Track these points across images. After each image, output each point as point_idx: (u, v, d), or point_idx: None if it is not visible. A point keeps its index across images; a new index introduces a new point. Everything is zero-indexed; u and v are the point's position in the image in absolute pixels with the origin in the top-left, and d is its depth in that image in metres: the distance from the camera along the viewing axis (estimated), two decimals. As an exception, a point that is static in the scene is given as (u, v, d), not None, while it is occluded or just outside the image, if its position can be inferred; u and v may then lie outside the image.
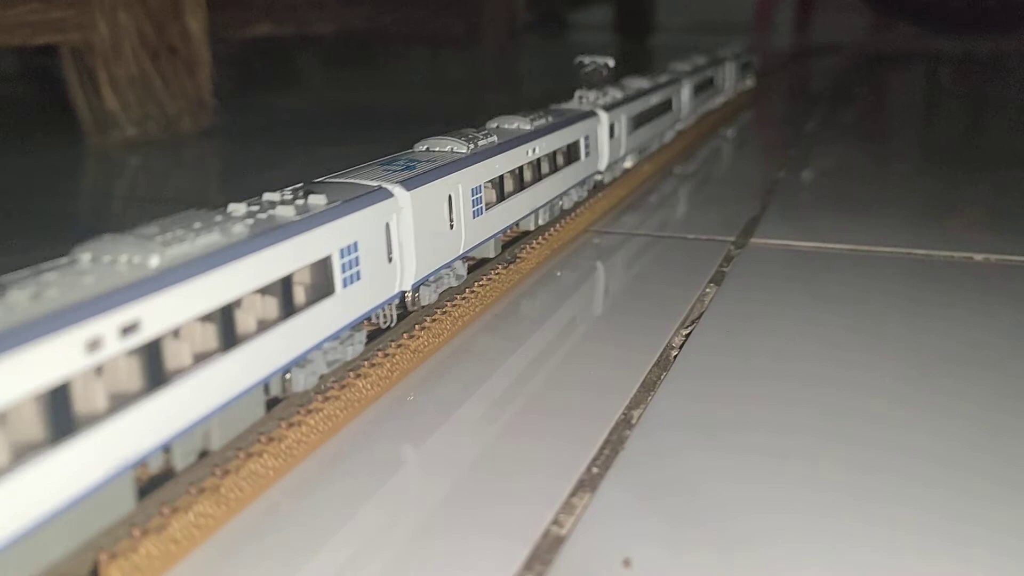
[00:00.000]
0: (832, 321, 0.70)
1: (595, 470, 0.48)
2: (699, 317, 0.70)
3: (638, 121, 1.10)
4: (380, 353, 0.57)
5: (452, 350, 0.64)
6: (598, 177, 1.01)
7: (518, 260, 0.77)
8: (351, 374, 0.54)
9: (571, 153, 0.89)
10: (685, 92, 1.36)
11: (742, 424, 0.53)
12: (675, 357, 0.63)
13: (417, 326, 0.62)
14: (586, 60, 1.04)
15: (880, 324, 0.69)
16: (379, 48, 3.08)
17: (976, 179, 1.24)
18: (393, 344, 0.59)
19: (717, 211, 1.04)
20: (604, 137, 0.98)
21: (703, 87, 1.51)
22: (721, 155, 1.44)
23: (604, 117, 0.98)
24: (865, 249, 0.88)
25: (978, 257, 0.85)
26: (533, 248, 0.81)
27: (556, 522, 0.44)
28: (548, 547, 0.42)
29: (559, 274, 0.81)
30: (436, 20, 2.86)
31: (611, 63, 1.04)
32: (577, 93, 1.01)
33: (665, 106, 1.24)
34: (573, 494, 0.46)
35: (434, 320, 0.63)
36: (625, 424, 0.53)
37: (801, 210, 1.07)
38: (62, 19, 1.40)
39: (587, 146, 0.94)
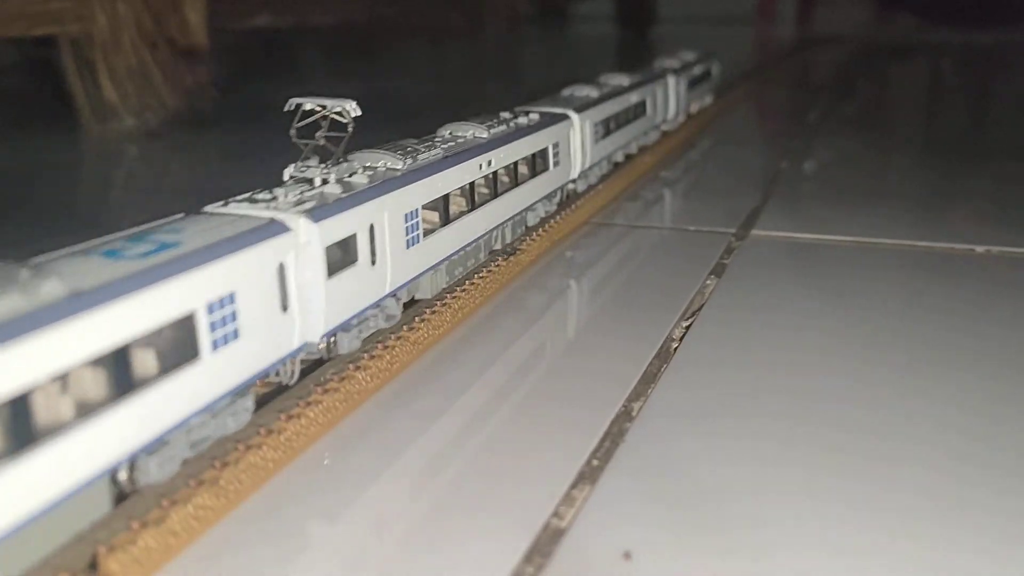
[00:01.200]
0: (833, 313, 0.69)
1: (595, 462, 0.48)
2: (699, 309, 0.70)
3: (443, 213, 0.64)
4: (380, 345, 0.57)
5: (452, 342, 0.64)
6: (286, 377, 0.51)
7: (518, 252, 0.77)
8: (351, 367, 0.54)
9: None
10: (577, 136, 0.90)
11: (743, 416, 0.53)
12: (675, 349, 0.63)
13: (417, 318, 0.62)
14: (307, 105, 0.58)
15: (881, 316, 0.69)
16: (379, 39, 3.07)
17: (978, 171, 1.24)
18: (393, 336, 0.59)
19: (718, 202, 1.03)
20: (270, 293, 0.47)
21: (622, 120, 1.06)
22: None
23: (313, 231, 0.48)
24: (866, 241, 0.87)
25: (980, 249, 0.84)
26: (533, 240, 0.81)
27: (556, 514, 0.43)
28: (548, 539, 0.42)
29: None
30: (437, 11, 2.86)
31: (353, 110, 0.56)
32: (289, 173, 0.55)
33: (533, 165, 0.79)
34: (573, 486, 0.46)
35: (434, 312, 0.63)
36: (625, 416, 0.53)
37: (803, 202, 1.07)
38: (61, 10, 1.40)
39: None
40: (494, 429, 0.52)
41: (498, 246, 0.76)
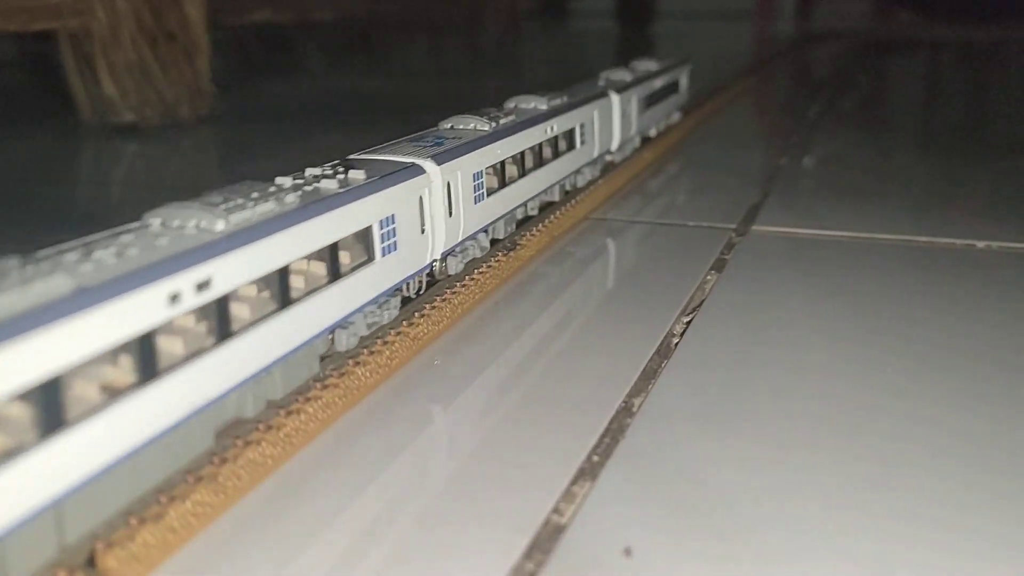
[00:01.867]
0: (833, 309, 0.69)
1: (596, 459, 0.48)
2: (700, 305, 0.70)
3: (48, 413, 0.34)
4: (379, 341, 0.57)
5: (451, 338, 0.64)
6: None
7: (518, 247, 0.77)
8: (350, 362, 0.54)
9: None
10: (438, 200, 0.63)
11: (743, 412, 0.53)
12: (676, 345, 0.62)
13: (416, 314, 0.62)
14: None
15: (881, 312, 0.69)
16: (379, 35, 3.07)
17: (978, 166, 1.24)
18: (392, 332, 0.59)
19: (718, 198, 1.03)
20: None
21: (531, 161, 0.80)
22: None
23: None
24: (867, 237, 0.87)
25: (980, 245, 0.84)
26: (533, 235, 0.80)
27: (556, 511, 0.43)
28: (548, 536, 0.41)
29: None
30: (437, 7, 2.85)
31: None
32: None
33: (333, 263, 0.51)
34: (574, 483, 0.46)
35: (433, 308, 0.63)
36: (626, 412, 0.53)
37: (803, 197, 1.06)
38: (60, 5, 1.39)
39: None
40: (494, 426, 0.52)
41: (240, 441, 0.45)
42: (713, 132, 1.50)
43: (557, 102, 0.87)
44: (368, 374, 0.54)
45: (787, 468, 0.47)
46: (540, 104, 0.85)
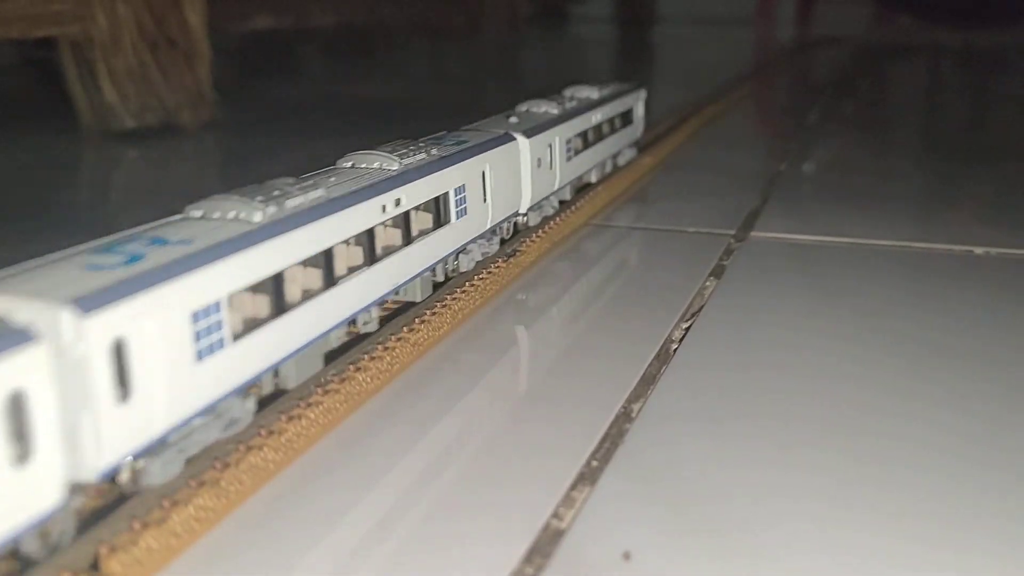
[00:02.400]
0: (832, 314, 0.70)
1: (595, 463, 0.48)
2: (699, 310, 0.70)
3: None
4: (380, 347, 0.57)
5: (452, 344, 0.64)
6: None
7: (518, 254, 0.77)
8: (351, 367, 0.54)
9: None
10: (102, 379, 0.35)
11: (742, 417, 0.53)
12: (675, 350, 0.63)
13: (417, 319, 0.62)
14: None
15: (880, 317, 0.69)
16: (379, 40, 3.07)
17: (977, 172, 1.24)
18: (393, 338, 0.59)
19: (718, 204, 1.03)
20: None
21: (365, 254, 0.55)
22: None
23: None
24: (865, 242, 0.88)
25: (978, 250, 0.84)
26: (533, 242, 0.81)
27: (556, 515, 0.44)
28: (548, 540, 0.42)
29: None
30: (437, 12, 2.86)
31: None
32: None
33: None
34: (573, 487, 0.46)
35: (434, 314, 0.63)
36: (625, 417, 0.53)
37: (802, 203, 1.07)
38: (61, 12, 1.40)
39: None
40: (494, 430, 0.52)
41: None
42: (712, 136, 1.50)
43: (419, 157, 0.62)
44: (369, 380, 0.55)
45: (786, 473, 0.47)
46: (388, 163, 0.59)
